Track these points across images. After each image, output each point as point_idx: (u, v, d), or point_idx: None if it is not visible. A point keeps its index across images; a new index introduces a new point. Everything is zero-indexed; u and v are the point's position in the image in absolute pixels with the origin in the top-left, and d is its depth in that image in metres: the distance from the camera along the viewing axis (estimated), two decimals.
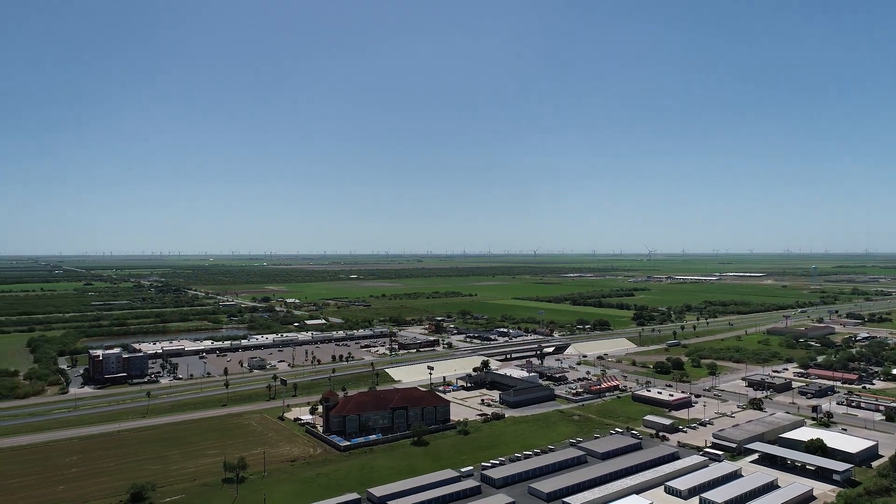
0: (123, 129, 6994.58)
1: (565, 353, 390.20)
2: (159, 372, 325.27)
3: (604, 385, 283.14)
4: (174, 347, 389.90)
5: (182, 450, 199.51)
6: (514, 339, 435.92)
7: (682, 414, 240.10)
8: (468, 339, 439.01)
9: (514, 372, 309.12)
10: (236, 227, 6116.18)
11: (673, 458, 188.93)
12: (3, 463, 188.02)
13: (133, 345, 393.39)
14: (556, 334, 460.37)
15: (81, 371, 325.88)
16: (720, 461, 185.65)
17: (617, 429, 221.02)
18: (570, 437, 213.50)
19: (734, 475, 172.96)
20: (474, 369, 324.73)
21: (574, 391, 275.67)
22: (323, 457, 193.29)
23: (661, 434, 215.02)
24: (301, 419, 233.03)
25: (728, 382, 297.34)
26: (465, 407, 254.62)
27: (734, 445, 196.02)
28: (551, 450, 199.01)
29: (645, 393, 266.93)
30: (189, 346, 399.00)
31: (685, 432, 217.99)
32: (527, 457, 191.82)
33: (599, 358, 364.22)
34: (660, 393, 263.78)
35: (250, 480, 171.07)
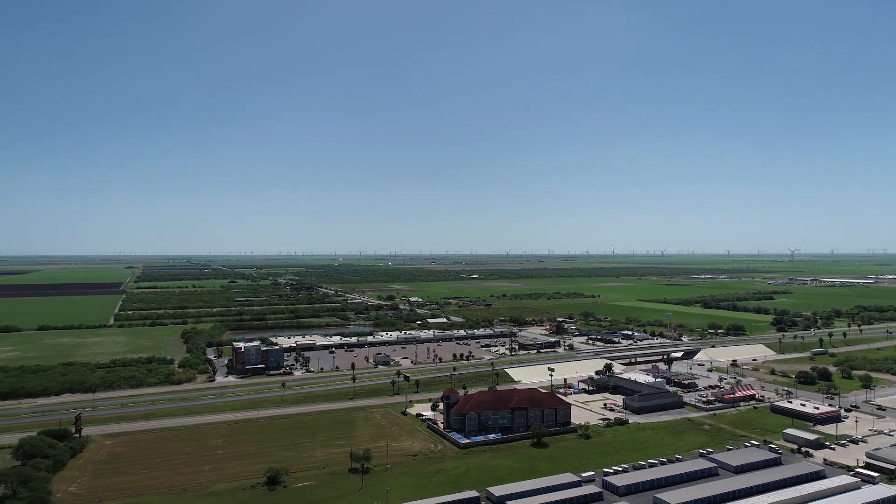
0: (254, 136, 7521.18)
1: (695, 358, 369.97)
2: (293, 364, 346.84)
3: (738, 394, 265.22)
4: (306, 342, 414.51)
5: (313, 438, 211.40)
6: (638, 343, 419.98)
7: (828, 429, 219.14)
8: (590, 341, 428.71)
9: (639, 377, 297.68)
10: (363, 228, 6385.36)
11: (818, 476, 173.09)
12: (163, 440, 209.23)
13: (270, 338, 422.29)
14: (684, 339, 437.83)
15: (226, 361, 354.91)
16: (875, 483, 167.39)
17: (752, 441, 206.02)
18: (699, 447, 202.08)
19: (893, 500, 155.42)
20: (596, 372, 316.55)
21: (704, 399, 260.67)
22: (443, 453, 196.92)
23: (803, 450, 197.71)
24: (423, 415, 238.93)
25: (886, 397, 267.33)
26: (587, 410, 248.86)
27: (893, 467, 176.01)
28: (678, 459, 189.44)
29: (785, 404, 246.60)
30: (320, 341, 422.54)
31: (832, 449, 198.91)
32: (652, 465, 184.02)
33: (733, 365, 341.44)
34: (803, 405, 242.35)
35: (374, 471, 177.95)
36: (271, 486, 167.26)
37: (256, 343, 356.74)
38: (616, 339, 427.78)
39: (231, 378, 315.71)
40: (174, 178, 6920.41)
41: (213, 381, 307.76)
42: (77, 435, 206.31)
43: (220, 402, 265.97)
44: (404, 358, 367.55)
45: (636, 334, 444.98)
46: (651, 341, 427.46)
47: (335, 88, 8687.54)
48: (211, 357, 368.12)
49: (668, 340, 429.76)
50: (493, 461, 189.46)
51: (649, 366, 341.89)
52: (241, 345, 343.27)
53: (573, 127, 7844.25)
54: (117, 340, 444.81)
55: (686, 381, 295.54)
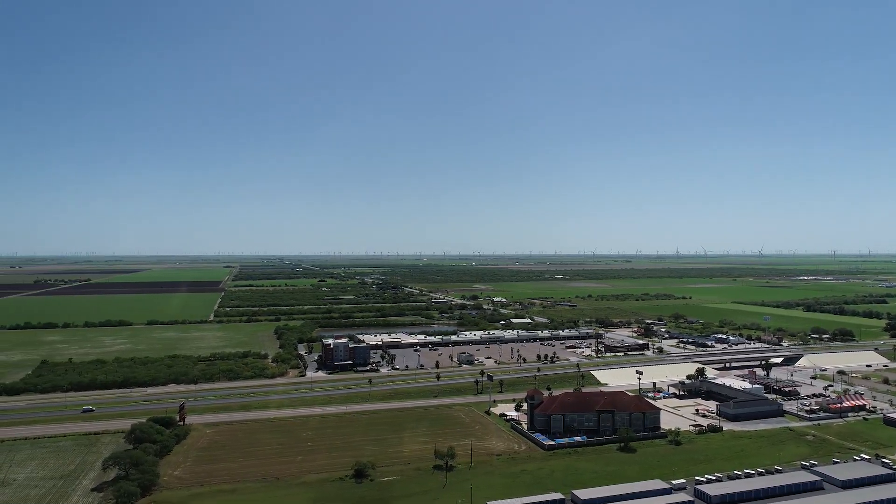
0: (341, 140, 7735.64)
1: (796, 364, 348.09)
2: (379, 361, 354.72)
3: (846, 404, 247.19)
4: (392, 340, 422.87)
5: (398, 434, 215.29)
6: (733, 347, 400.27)
7: None
8: (681, 345, 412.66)
9: (734, 382, 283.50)
10: (447, 229, 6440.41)
11: None
12: (258, 431, 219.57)
13: (357, 336, 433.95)
14: (784, 343, 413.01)
15: (316, 357, 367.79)
16: None
17: (863, 455, 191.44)
18: (801, 459, 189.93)
19: None
20: (688, 377, 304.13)
21: (808, 408, 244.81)
22: (527, 454, 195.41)
23: None
24: (506, 415, 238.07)
25: None
26: (677, 416, 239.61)
27: None
28: (778, 471, 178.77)
29: None
30: (405, 339, 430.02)
31: None
32: (748, 476, 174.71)
33: (840, 373, 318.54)
34: None
35: (458, 469, 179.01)
36: (358, 479, 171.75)
37: (344, 340, 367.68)
38: (709, 343, 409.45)
39: (321, 373, 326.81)
40: (267, 180, 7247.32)
41: (304, 375, 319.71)
42: (181, 423, 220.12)
43: (310, 396, 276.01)
44: (488, 357, 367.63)
45: (731, 338, 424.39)
46: (747, 345, 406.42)
47: (409, 89, 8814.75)
48: (302, 353, 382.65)
49: (766, 345, 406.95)
50: (577, 464, 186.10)
51: (745, 371, 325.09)
52: (330, 341, 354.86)
53: (666, 125, 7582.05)
54: (216, 335, 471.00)
55: (786, 389, 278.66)
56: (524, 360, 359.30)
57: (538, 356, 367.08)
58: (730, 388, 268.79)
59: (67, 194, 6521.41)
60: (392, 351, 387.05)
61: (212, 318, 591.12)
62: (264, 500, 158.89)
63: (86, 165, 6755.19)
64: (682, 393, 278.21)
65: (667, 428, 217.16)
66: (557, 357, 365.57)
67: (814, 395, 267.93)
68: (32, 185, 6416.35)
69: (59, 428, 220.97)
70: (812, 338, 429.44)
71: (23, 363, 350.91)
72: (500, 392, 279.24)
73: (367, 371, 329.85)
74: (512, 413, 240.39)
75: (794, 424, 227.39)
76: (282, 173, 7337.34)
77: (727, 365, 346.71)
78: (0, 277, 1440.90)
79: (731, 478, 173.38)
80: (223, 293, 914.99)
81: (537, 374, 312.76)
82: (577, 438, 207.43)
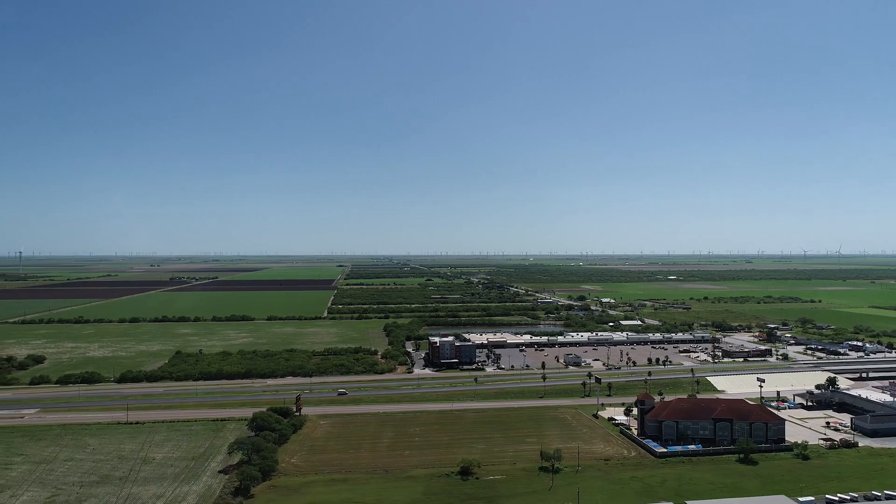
0: (444, 141, 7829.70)
1: None
2: (484, 360, 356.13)
3: None
4: (497, 339, 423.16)
5: (504, 434, 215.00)
6: (871, 356, 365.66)
7: None
8: (808, 352, 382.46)
9: (872, 394, 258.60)
10: (554, 228, 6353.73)
11: None
12: (368, 424, 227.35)
13: (463, 334, 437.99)
14: None
15: (423, 354, 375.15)
16: None
17: None
18: None
19: None
20: (816, 386, 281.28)
21: None
22: (637, 460, 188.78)
23: None
24: (615, 419, 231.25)
25: None
26: (804, 428, 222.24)
27: None
28: None
29: None
30: (510, 339, 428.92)
31: None
32: (889, 497, 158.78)
33: None
34: None
35: (564, 472, 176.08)
36: (464, 476, 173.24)
37: (451, 338, 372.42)
38: (841, 350, 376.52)
39: (427, 370, 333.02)
40: (377, 183, 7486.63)
41: (412, 372, 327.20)
42: (297, 413, 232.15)
43: (418, 392, 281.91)
44: (595, 360, 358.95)
45: (868, 345, 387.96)
46: (887, 354, 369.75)
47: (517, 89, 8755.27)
48: (409, 350, 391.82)
49: None
50: (692, 474, 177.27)
51: (886, 382, 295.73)
52: (437, 339, 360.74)
53: (784, 120, 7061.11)
54: (330, 331, 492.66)
55: None
56: (634, 363, 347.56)
57: (649, 360, 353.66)
58: (867, 400, 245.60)
59: (202, 200, 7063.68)
60: (497, 350, 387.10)
61: (325, 314, 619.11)
62: (374, 491, 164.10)
63: (208, 171, 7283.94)
64: (809, 404, 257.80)
65: (792, 441, 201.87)
66: (670, 361, 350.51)
67: None
68: (181, 195, 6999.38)
69: (191, 413, 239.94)
70: None
71: (160, 353, 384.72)
72: (609, 395, 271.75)
73: (472, 370, 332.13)
74: (621, 417, 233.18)
75: None
76: (390, 176, 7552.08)
77: (863, 375, 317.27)
78: (141, 275, 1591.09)
79: (868, 498, 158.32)
80: (336, 291, 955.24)
81: (648, 378, 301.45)
82: (692, 447, 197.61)
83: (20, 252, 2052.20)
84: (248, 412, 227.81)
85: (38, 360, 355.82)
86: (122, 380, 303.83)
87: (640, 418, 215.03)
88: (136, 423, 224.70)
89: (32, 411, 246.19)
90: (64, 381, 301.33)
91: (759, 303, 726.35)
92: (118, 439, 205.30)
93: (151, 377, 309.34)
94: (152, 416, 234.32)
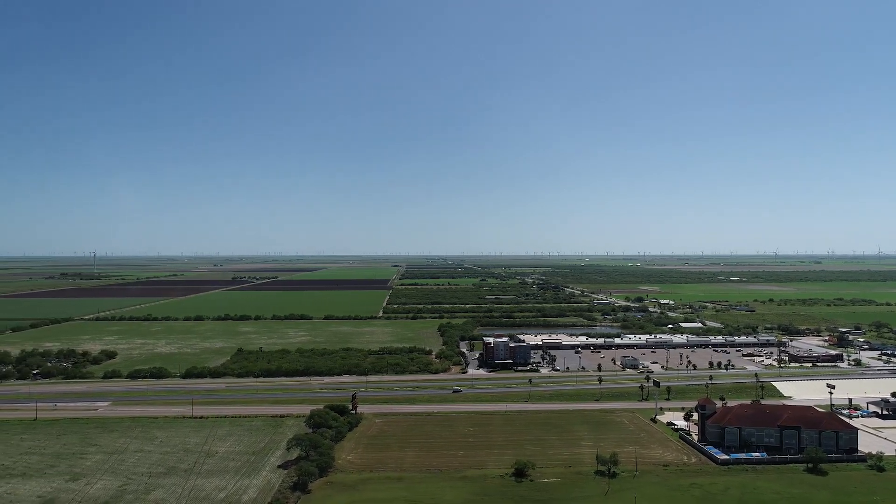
0: (496, 139, 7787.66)
1: None
2: (539, 362, 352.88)
3: None
4: (552, 340, 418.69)
5: (559, 436, 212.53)
6: None
7: None
8: (884, 357, 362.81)
9: None
10: (610, 228, 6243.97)
11: None
12: (422, 423, 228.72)
13: (517, 335, 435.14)
14: None
15: (477, 355, 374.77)
16: None
17: None
18: None
19: None
20: (892, 394, 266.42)
21: None
22: (697, 466, 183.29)
23: None
24: (674, 424, 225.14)
25: None
26: (880, 438, 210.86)
27: None
28: None
29: None
30: (566, 340, 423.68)
31: None
32: None
33: None
34: None
35: (621, 477, 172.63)
36: (518, 477, 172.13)
37: (505, 339, 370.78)
38: None
39: (481, 371, 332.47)
40: (429, 182, 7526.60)
41: (466, 372, 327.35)
42: (353, 411, 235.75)
43: (472, 392, 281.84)
44: (654, 362, 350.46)
45: None
46: None
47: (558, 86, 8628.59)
48: (464, 350, 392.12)
49: None
50: (756, 483, 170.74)
51: None
52: (491, 340, 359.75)
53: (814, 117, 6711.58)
54: (385, 331, 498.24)
55: None
56: (694, 366, 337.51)
57: (710, 363, 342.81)
58: None
59: (264, 201, 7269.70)
60: (552, 351, 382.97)
61: (381, 314, 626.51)
62: (428, 490, 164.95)
63: (268, 172, 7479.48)
64: (885, 412, 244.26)
65: (866, 451, 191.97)
66: (732, 365, 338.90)
67: None
68: (247, 196, 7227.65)
69: (252, 409, 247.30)
70: None
71: (223, 350, 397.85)
72: (668, 399, 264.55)
73: (527, 371, 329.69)
74: (680, 422, 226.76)
75: None
76: (444, 175, 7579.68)
77: None
78: (205, 275, 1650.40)
79: None
80: (391, 291, 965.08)
81: (709, 382, 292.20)
82: (756, 455, 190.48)
83: (94, 252, 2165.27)
84: (306, 409, 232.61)
85: (111, 355, 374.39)
86: (187, 375, 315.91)
87: (701, 424, 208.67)
88: (201, 417, 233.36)
89: (105, 404, 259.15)
90: (134, 375, 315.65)
91: (828, 305, 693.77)
92: (184, 433, 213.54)
93: (214, 373, 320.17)
94: (215, 411, 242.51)
